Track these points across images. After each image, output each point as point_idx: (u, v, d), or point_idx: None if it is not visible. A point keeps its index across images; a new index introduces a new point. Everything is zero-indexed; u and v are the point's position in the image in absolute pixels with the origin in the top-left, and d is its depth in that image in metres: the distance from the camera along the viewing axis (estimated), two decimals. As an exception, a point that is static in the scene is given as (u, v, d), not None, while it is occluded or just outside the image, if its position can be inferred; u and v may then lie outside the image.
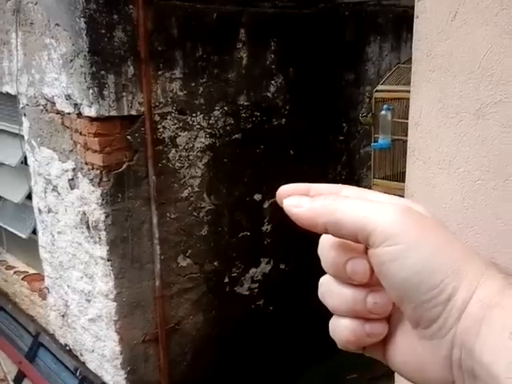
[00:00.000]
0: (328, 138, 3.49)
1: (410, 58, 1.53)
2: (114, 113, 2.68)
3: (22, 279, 3.75)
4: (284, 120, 3.24)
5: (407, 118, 1.50)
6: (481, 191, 1.29)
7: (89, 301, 3.06)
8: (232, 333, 3.35)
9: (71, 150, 2.90)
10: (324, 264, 0.38)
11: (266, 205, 3.35)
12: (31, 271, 3.82)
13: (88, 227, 2.93)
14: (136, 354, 2.99)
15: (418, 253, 0.33)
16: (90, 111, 2.64)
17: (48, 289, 3.48)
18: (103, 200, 2.78)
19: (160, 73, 2.74)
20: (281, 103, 3.21)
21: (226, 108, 3.01)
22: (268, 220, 3.37)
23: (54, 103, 2.89)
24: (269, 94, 3.16)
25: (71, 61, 2.65)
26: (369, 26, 3.44)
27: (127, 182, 2.83)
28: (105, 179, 2.76)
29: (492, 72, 1.23)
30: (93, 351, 3.18)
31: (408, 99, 1.50)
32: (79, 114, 2.74)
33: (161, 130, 2.85)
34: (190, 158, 2.98)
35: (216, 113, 3.00)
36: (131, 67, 2.66)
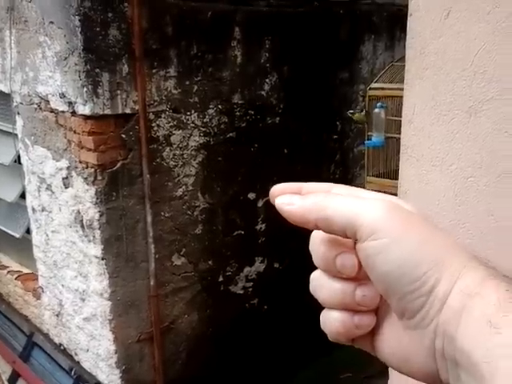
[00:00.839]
0: (322, 137, 3.50)
1: (404, 57, 1.54)
2: (108, 111, 2.68)
3: (16, 279, 3.74)
4: (278, 119, 3.25)
5: (401, 116, 1.51)
6: (473, 188, 1.30)
7: (83, 300, 3.05)
8: (227, 332, 3.35)
9: (65, 149, 2.89)
10: (315, 259, 0.39)
11: (260, 203, 3.35)
12: (25, 271, 3.81)
13: (82, 226, 2.93)
14: (131, 353, 2.99)
15: (401, 247, 0.34)
16: (85, 109, 2.64)
17: (42, 288, 3.47)
18: (97, 199, 2.78)
19: (154, 71, 2.74)
20: (275, 102, 3.22)
21: (220, 106, 3.02)
22: (262, 219, 3.38)
23: (48, 101, 2.88)
24: (263, 93, 3.16)
25: (65, 59, 2.64)
26: (363, 25, 3.45)
27: (121, 181, 2.82)
28: (99, 178, 2.76)
29: (484, 69, 1.24)
30: (87, 350, 3.17)
31: (401, 97, 1.51)
32: (73, 113, 2.73)
33: (155, 128, 2.85)
34: (185, 156, 2.98)
35: (210, 111, 3.00)
36: (126, 65, 2.65)
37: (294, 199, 0.38)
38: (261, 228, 3.39)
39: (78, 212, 2.93)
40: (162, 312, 3.03)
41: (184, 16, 2.75)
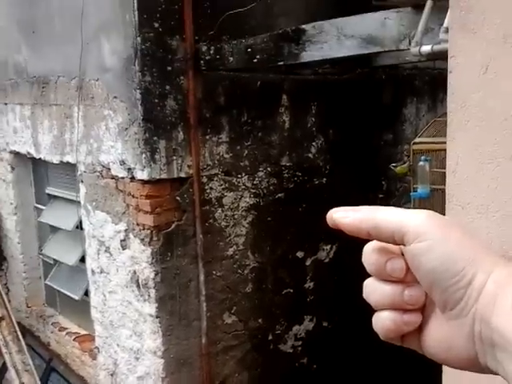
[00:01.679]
0: (368, 196, 3.56)
1: (446, 113, 1.63)
2: (164, 175, 2.86)
3: (74, 340, 3.86)
4: (325, 179, 3.35)
5: (444, 168, 1.57)
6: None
7: (137, 359, 3.12)
8: (277, 393, 3.31)
9: (124, 212, 3.07)
10: (367, 266, 0.46)
11: (308, 262, 3.40)
12: (83, 332, 3.93)
13: (138, 285, 3.05)
14: (183, 413, 2.99)
15: (443, 247, 0.41)
16: (143, 175, 2.83)
17: (98, 348, 3.56)
18: (153, 258, 2.91)
19: (208, 137, 2.94)
20: (321, 163, 3.34)
21: (269, 169, 3.16)
22: (310, 277, 3.41)
23: (109, 169, 3.10)
24: (310, 155, 3.30)
25: (126, 129, 2.88)
26: (405, 89, 3.59)
27: (176, 241, 2.96)
28: (155, 239, 2.90)
29: (524, 118, 1.31)
30: (140, 411, 3.19)
31: (445, 150, 1.58)
32: (132, 178, 2.93)
33: (208, 190, 3.00)
34: (235, 217, 3.11)
35: (260, 174, 3.14)
36: (181, 133, 2.86)
37: (348, 213, 0.45)
38: (309, 286, 3.42)
39: (134, 272, 3.06)
40: (213, 370, 3.05)
41: (235, 86, 2.97)
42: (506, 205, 1.40)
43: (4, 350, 3.93)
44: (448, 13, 1.49)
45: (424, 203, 2.20)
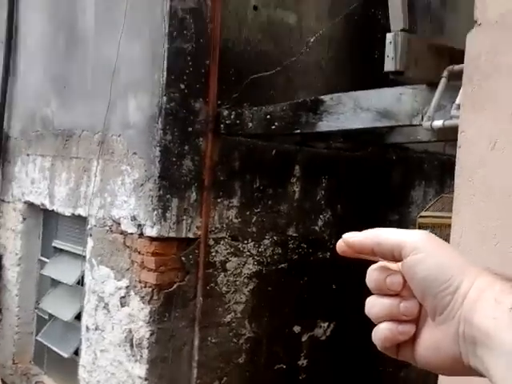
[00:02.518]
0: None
1: (453, 190, 1.67)
2: (173, 234, 2.90)
3: (56, 400, 3.70)
4: (329, 254, 3.36)
5: (449, 243, 1.60)
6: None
7: (121, 423, 2.98)
8: None
9: (128, 269, 3.07)
10: (369, 284, 0.53)
11: (304, 338, 3.33)
12: (66, 392, 3.78)
13: (131, 345, 2.98)
14: None
15: (434, 259, 0.48)
16: (152, 231, 2.87)
17: (80, 410, 3.41)
18: (150, 318, 2.88)
19: (219, 200, 3.00)
20: (327, 237, 3.37)
21: (275, 237, 3.19)
22: (305, 354, 3.32)
23: (119, 224, 3.14)
24: (316, 228, 3.34)
25: (142, 185, 2.95)
26: (415, 171, 3.69)
27: (175, 302, 2.93)
28: (155, 297, 2.89)
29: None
30: None
31: (450, 225, 1.62)
32: (141, 234, 2.96)
33: (213, 253, 3.02)
34: (237, 283, 3.09)
35: (266, 241, 3.17)
36: (194, 193, 2.93)
37: (355, 234, 0.53)
38: (302, 364, 3.32)
39: (130, 331, 3.01)
40: None
41: (251, 153, 3.08)
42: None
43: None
44: (460, 90, 1.59)
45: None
